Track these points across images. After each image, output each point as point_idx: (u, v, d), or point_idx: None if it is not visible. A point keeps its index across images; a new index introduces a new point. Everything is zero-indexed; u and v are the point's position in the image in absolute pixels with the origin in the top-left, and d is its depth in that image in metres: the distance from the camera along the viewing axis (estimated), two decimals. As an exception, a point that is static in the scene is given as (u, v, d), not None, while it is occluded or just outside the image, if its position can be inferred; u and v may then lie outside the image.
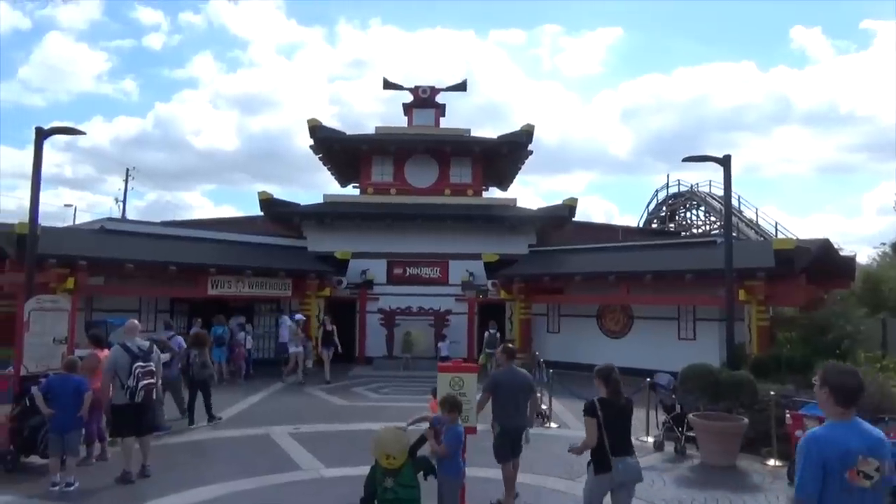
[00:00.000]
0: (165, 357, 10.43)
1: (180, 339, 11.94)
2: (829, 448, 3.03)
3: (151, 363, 7.72)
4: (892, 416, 7.67)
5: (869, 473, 3.01)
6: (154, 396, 7.72)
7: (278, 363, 17.32)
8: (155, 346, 8.16)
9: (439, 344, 18.78)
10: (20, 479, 7.50)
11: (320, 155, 22.70)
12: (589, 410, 5.05)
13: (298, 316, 16.90)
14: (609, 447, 4.93)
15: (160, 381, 8.24)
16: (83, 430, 7.61)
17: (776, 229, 30.82)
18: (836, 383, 3.16)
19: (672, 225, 35.78)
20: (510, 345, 7.41)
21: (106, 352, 8.33)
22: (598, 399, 5.11)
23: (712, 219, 33.33)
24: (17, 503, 6.77)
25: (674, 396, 9.81)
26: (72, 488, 7.09)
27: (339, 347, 16.44)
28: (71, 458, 7.23)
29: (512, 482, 6.81)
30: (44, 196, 16.33)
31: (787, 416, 8.24)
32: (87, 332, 15.06)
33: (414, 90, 23.10)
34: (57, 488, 7.04)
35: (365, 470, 5.90)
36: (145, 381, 7.48)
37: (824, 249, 15.05)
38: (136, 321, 8.39)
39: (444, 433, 5.69)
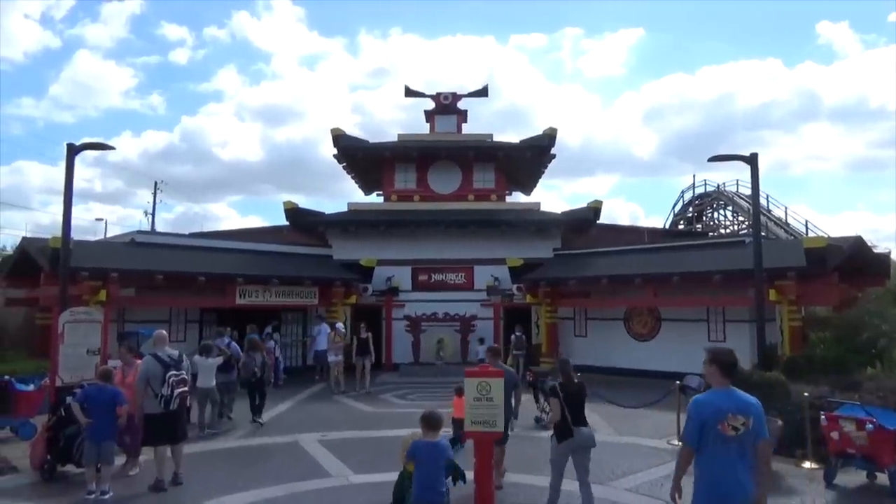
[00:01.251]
0: (218, 361, 11.11)
1: (236, 345, 12.74)
2: (706, 408, 4.17)
3: (184, 371, 7.83)
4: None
5: (736, 426, 4.10)
6: (188, 404, 7.81)
7: (313, 370, 17.59)
8: (185, 356, 8.25)
9: (478, 347, 18.85)
10: (56, 489, 7.65)
11: (344, 164, 22.89)
12: (552, 392, 6.53)
13: (339, 325, 16.58)
14: (570, 419, 6.30)
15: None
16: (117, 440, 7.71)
17: (807, 227, 30.25)
18: (722, 361, 4.28)
19: (699, 226, 35.31)
20: (495, 345, 8.97)
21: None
22: (559, 383, 6.58)
23: (740, 218, 32.82)
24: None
25: (704, 399, 9.65)
26: (106, 497, 7.16)
27: (374, 356, 16.19)
28: (106, 468, 7.29)
29: (499, 465, 7.46)
30: (76, 210, 16.72)
31: (823, 417, 8.07)
32: (119, 342, 15.42)
33: (436, 97, 23.19)
34: (92, 496, 7.13)
35: (393, 476, 5.94)
36: (180, 390, 7.60)
37: (857, 247, 14.75)
38: (164, 332, 8.54)
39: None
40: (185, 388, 7.77)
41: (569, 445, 6.29)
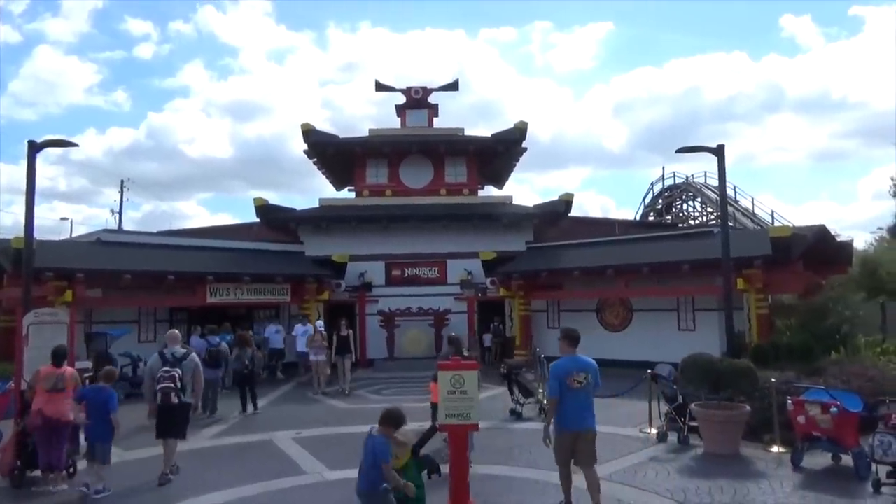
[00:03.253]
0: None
1: (226, 345, 13.58)
2: (560, 370, 6.24)
3: (177, 369, 7.97)
4: (893, 399, 7.67)
5: (580, 381, 6.20)
6: (172, 400, 7.84)
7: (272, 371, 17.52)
8: (193, 354, 8.50)
9: (484, 335, 19.78)
10: (26, 495, 7.51)
11: (314, 159, 22.68)
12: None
13: (320, 323, 16.03)
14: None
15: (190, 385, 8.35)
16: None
17: (773, 218, 30.87)
18: (569, 336, 6.47)
19: (669, 217, 35.82)
20: (454, 334, 10.00)
21: (70, 370, 8.02)
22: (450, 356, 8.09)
23: (709, 209, 33.39)
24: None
25: (675, 387, 9.82)
26: (100, 496, 7.26)
27: (354, 355, 15.73)
28: (100, 466, 7.42)
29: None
30: (39, 210, 16.27)
31: (789, 402, 8.25)
32: (87, 344, 15.14)
33: (406, 91, 23.08)
34: (87, 489, 7.33)
35: (368, 471, 5.89)
36: (162, 385, 7.80)
37: (820, 236, 15.10)
38: (175, 331, 8.81)
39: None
40: (170, 384, 7.81)
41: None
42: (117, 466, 8.11)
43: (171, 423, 7.92)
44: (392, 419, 5.21)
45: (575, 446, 6.21)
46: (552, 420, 6.26)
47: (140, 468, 8.38)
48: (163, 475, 7.79)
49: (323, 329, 15.24)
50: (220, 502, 7.13)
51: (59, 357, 7.96)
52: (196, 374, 8.34)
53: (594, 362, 6.34)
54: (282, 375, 17.47)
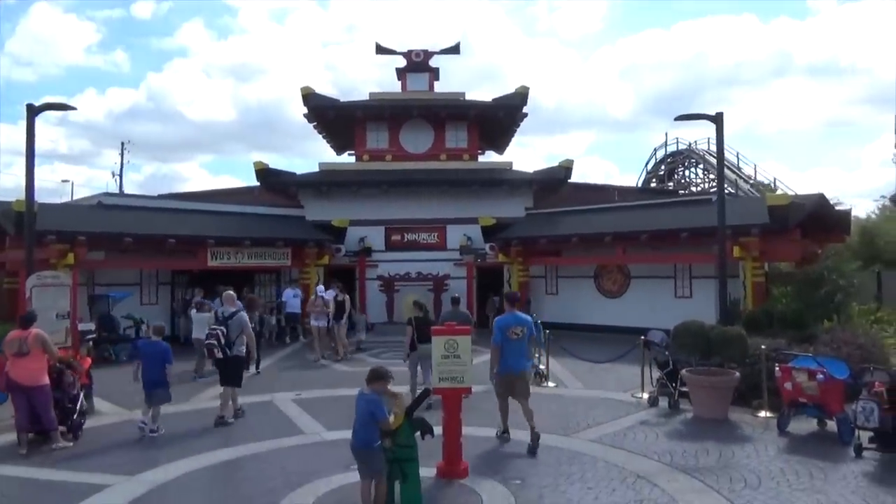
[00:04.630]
0: (208, 315, 12.18)
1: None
2: (503, 322, 7.70)
3: (222, 327, 8.90)
4: (877, 366, 7.83)
5: (517, 332, 7.65)
6: (216, 354, 8.87)
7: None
8: (242, 313, 9.21)
9: (493, 298, 19.27)
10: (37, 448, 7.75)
11: (314, 123, 22.57)
12: (408, 322, 10.12)
13: (320, 288, 15.77)
14: (416, 339, 9.66)
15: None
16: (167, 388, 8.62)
17: (774, 185, 30.82)
18: (508, 297, 8.37)
19: (671, 183, 35.69)
20: (418, 299, 10.98)
21: (35, 331, 7.95)
22: (413, 317, 10.04)
23: (711, 176, 33.21)
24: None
25: (667, 353, 9.99)
26: (156, 434, 8.28)
27: (346, 317, 15.37)
28: (156, 409, 8.45)
29: None
30: (40, 172, 16.29)
31: (777, 368, 8.42)
32: (90, 307, 15.35)
33: (407, 54, 22.84)
34: (145, 426, 8.31)
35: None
36: (207, 341, 8.99)
37: (818, 204, 15.12)
38: (231, 292, 9.69)
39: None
40: (213, 341, 8.79)
41: (417, 356, 9.74)
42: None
43: (225, 373, 8.96)
44: (378, 375, 5.53)
45: (513, 385, 7.72)
46: (496, 365, 7.77)
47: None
48: (219, 418, 8.82)
49: (324, 294, 15.25)
50: (221, 460, 7.37)
51: (25, 321, 8.02)
52: (245, 330, 9.11)
53: (529, 318, 8.21)
54: (304, 339, 17.15)
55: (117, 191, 34.65)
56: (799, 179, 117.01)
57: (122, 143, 41.16)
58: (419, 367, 9.81)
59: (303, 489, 6.32)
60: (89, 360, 9.76)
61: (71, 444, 7.98)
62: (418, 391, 9.53)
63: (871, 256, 20.96)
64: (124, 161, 40.60)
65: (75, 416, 8.32)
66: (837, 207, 19.08)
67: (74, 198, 31.16)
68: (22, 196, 11.72)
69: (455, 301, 11.31)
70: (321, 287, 16.12)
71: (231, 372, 8.97)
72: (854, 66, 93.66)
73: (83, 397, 8.72)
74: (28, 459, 7.42)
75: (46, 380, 7.82)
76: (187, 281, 18.34)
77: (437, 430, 6.23)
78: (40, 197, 13.16)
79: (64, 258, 14.46)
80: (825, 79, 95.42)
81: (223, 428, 8.70)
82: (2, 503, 6.31)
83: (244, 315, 9.18)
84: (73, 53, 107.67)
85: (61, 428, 8.03)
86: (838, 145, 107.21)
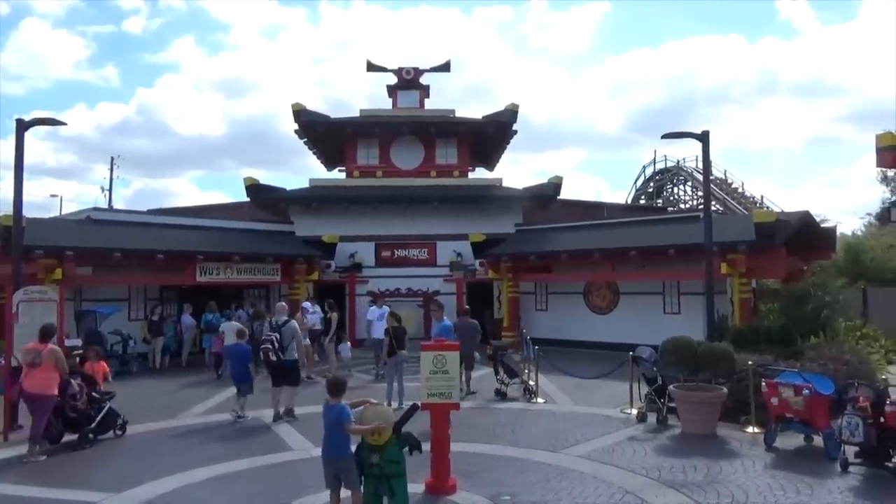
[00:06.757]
0: (237, 326, 13.38)
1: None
2: (450, 325, 11.45)
3: (276, 334, 10.05)
4: (862, 382, 7.90)
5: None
6: (272, 358, 9.89)
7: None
8: (293, 321, 10.53)
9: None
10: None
11: (305, 139, 22.68)
12: (386, 333, 11.28)
13: (307, 304, 15.62)
14: (395, 346, 10.91)
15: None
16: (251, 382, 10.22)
17: (761, 202, 31.17)
18: (441, 306, 12.83)
19: (660, 200, 36.03)
20: (394, 311, 12.34)
21: (50, 346, 8.28)
22: (391, 327, 11.20)
23: (699, 193, 33.58)
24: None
25: (655, 369, 10.02)
26: (241, 420, 9.91)
27: (332, 334, 15.12)
28: (243, 399, 10.07)
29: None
30: (28, 186, 16.23)
31: (763, 384, 8.48)
32: (77, 322, 15.22)
33: (398, 72, 23.02)
34: (236, 415, 9.98)
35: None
36: (263, 346, 10.02)
37: (804, 221, 15.29)
38: (283, 303, 11.51)
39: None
40: (268, 346, 9.91)
41: (395, 360, 10.95)
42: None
43: (282, 374, 10.05)
44: (336, 384, 5.84)
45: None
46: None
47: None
48: (276, 415, 9.91)
49: (309, 309, 15.10)
50: (210, 476, 7.32)
51: (43, 334, 8.32)
52: (297, 337, 10.32)
53: (451, 322, 11.73)
54: (317, 357, 15.95)
55: (106, 206, 34.52)
56: (786, 197, 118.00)
57: (112, 158, 40.98)
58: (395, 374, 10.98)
59: (290, 506, 6.28)
60: (104, 364, 9.87)
61: (43, 457, 8.01)
62: (394, 397, 10.72)
63: (857, 273, 21.20)
64: (114, 176, 40.42)
65: (92, 426, 8.62)
66: (823, 224, 19.31)
67: (63, 213, 30.96)
68: (10, 211, 11.67)
69: (465, 312, 12.70)
70: (307, 304, 15.88)
71: (288, 374, 10.09)
72: (839, 84, 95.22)
73: (108, 408, 8.94)
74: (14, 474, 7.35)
75: (53, 391, 8.10)
76: (176, 297, 18.25)
77: (425, 445, 6.23)
78: (29, 212, 13.07)
79: (52, 273, 14.37)
80: (811, 98, 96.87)
81: (206, 447, 8.64)
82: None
83: (295, 323, 10.41)
84: (63, 68, 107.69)
85: (73, 437, 8.49)
86: (824, 163, 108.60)
